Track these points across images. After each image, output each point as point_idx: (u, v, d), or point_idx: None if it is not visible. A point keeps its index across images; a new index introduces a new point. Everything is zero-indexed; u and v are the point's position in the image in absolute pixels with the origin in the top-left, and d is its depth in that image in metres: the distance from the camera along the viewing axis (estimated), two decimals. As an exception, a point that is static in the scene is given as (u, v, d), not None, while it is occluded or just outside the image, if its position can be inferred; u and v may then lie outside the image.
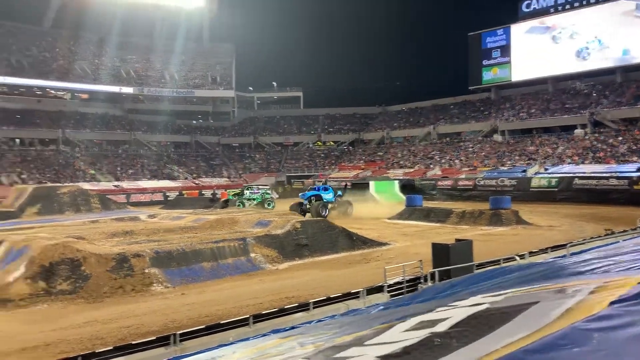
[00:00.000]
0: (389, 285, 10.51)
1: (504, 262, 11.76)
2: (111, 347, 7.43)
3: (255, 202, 33.66)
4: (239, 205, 32.51)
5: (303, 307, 9.35)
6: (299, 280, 13.70)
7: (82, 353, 7.14)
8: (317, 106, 78.60)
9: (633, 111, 45.76)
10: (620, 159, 39.83)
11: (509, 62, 59.11)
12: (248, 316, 8.63)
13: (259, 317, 8.71)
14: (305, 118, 76.14)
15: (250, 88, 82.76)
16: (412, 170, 53.18)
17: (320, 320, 7.79)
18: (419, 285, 10.68)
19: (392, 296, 10.13)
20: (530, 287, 5.52)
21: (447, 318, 4.56)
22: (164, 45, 72.51)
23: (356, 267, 15.31)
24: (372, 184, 43.66)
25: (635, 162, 38.14)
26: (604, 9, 51.39)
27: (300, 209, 28.03)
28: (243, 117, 77.89)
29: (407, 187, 42.60)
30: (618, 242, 10.85)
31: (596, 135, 45.89)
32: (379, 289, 10.47)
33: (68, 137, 58.83)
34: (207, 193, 46.19)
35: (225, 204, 33.63)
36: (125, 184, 51.91)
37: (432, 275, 10.69)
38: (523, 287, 5.72)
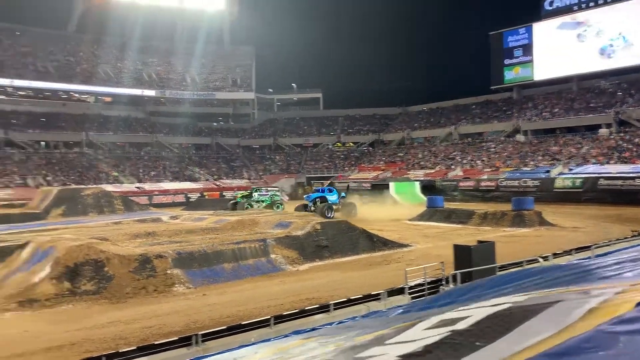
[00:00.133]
0: (410, 287, 10.45)
1: (527, 264, 11.61)
2: (134, 347, 7.52)
3: (264, 204, 32.99)
4: (246, 207, 31.77)
5: (324, 308, 9.35)
6: (319, 281, 13.70)
7: (105, 353, 7.24)
8: (336, 107, 78.57)
9: (660, 110, 44.81)
10: (646, 159, 39.01)
11: (531, 61, 58.33)
12: (269, 317, 8.65)
13: (280, 318, 8.73)
14: (324, 119, 76.17)
15: (270, 90, 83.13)
16: (433, 171, 52.80)
17: (341, 322, 7.79)
18: (441, 287, 10.59)
19: (413, 298, 10.06)
20: (554, 290, 5.43)
21: (468, 317, 4.52)
22: (184, 48, 73.28)
23: (377, 269, 15.26)
24: (392, 185, 43.51)
25: (663, 162, 37.32)
26: (628, 5, 50.37)
27: (305, 210, 28.12)
28: (263, 118, 78.25)
29: (428, 188, 42.36)
30: (645, 243, 10.63)
31: (621, 134, 45.02)
32: (400, 291, 10.41)
33: (92, 139, 59.81)
34: (228, 194, 46.41)
35: (234, 206, 32.87)
36: (147, 186, 52.51)
37: (454, 277, 10.60)
38: (547, 289, 5.64)
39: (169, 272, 13.54)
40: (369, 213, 29.27)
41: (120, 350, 7.34)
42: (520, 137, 53.33)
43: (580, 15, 54.10)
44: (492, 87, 62.80)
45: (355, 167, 62.38)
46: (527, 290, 6.03)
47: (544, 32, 57.30)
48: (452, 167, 52.22)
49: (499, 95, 63.86)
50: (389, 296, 10.11)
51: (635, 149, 41.38)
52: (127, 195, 40.83)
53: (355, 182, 53.21)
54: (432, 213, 27.69)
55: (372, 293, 10.16)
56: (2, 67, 60.84)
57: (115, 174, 54.28)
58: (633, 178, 33.61)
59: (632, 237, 15.68)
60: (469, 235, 20.56)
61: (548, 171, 41.76)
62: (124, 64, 70.41)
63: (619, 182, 33.98)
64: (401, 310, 7.58)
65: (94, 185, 39.91)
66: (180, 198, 48.96)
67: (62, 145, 58.45)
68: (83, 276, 12.72)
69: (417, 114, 72.28)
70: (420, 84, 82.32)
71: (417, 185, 43.34)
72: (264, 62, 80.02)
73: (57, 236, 16.20)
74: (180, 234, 18.69)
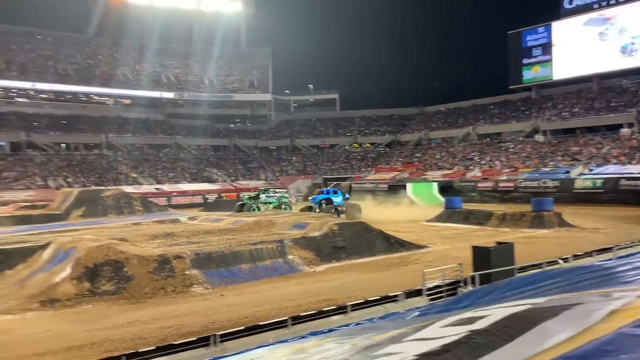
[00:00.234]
0: (428, 289, 10.39)
1: (546, 266, 11.49)
2: (153, 347, 7.59)
3: (271, 205, 32.35)
4: (253, 209, 31.21)
5: (341, 309, 9.34)
6: (336, 282, 13.69)
7: (125, 352, 7.32)
8: (353, 108, 78.50)
9: (683, 109, 43.93)
10: (669, 159, 38.28)
11: (550, 61, 57.60)
12: (286, 318, 8.68)
13: (297, 319, 8.75)
14: (341, 120, 76.13)
15: (287, 91, 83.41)
16: (450, 171, 52.44)
17: (358, 323, 7.78)
18: (459, 289, 10.52)
19: (431, 300, 10.01)
20: (575, 293, 5.36)
21: (487, 316, 4.48)
22: (202, 50, 73.86)
23: (394, 270, 15.20)
24: (409, 185, 43.35)
25: (686, 161, 36.60)
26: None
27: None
28: (280, 120, 78.50)
29: (446, 189, 42.10)
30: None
31: (644, 134, 44.27)
32: (417, 293, 10.36)
33: (111, 141, 60.57)
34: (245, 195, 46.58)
35: (241, 207, 32.26)
36: (166, 187, 53.01)
37: (473, 278, 10.52)
38: (567, 292, 5.57)
39: (187, 272, 13.65)
40: (385, 214, 29.16)
41: (139, 350, 7.42)
42: (539, 137, 52.72)
43: (608, 12, 53.14)
44: (510, 87, 62.17)
45: (372, 168, 62.23)
46: (547, 292, 5.97)
47: (563, 30, 56.54)
48: (470, 167, 51.82)
49: (518, 95, 63.20)
50: (406, 298, 10.07)
51: (657, 149, 40.65)
52: (146, 196, 41.26)
53: (372, 182, 53.08)
54: (450, 214, 27.50)
55: (390, 294, 10.12)
56: (24, 70, 61.95)
57: (135, 175, 54.88)
58: (656, 178, 33.02)
59: (655, 238, 15.41)
60: (487, 236, 20.38)
61: (568, 172, 41.21)
62: (142, 66, 71.18)
63: (641, 182, 33.40)
64: (419, 312, 7.56)
65: (114, 187, 40.41)
66: (198, 199, 49.34)
67: (82, 147, 59.32)
68: (103, 276, 12.88)
69: (435, 114, 71.87)
70: (438, 84, 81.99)
71: (435, 186, 43.10)
72: (280, 64, 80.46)
73: (77, 237, 16.42)
74: (198, 235, 18.83)
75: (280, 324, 8.53)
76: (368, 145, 70.55)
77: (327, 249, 16.92)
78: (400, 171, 57.31)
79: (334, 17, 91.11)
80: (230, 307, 11.45)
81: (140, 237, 17.91)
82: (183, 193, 50.96)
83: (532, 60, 58.99)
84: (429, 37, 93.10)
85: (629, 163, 39.77)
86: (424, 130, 67.48)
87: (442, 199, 35.21)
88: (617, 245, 13.43)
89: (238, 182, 59.19)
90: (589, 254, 13.29)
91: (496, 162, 51.09)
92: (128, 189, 42.60)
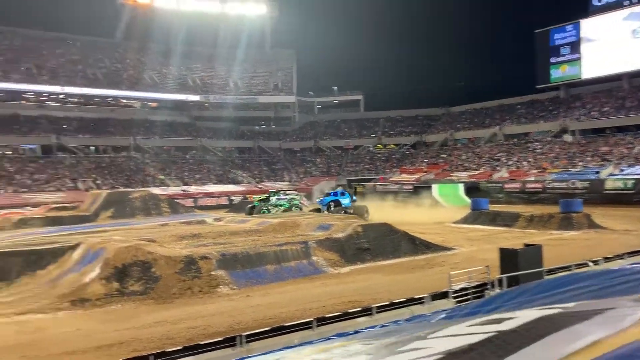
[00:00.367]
0: (455, 291, 10.28)
1: (576, 268, 11.27)
2: (181, 347, 7.68)
3: (281, 208, 32.01)
4: (263, 212, 30.96)
5: (366, 311, 9.31)
6: (361, 284, 13.65)
7: (153, 352, 7.42)
8: (377, 109, 78.27)
9: None
10: None
11: (579, 59, 56.52)
12: (312, 319, 8.68)
13: (322, 321, 8.74)
14: (365, 121, 75.96)
15: (311, 93, 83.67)
16: (477, 172, 51.84)
17: (384, 325, 7.74)
18: (486, 291, 10.39)
19: (457, 302, 9.90)
20: (607, 299, 5.24)
21: (515, 318, 4.43)
22: (227, 53, 74.58)
23: (420, 272, 15.09)
24: (435, 187, 43.06)
25: None
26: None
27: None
28: (304, 121, 78.73)
29: (473, 190, 41.65)
30: None
31: (677, 133, 43.10)
32: (443, 295, 10.26)
33: (139, 144, 61.59)
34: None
35: (252, 210, 32.03)
36: (192, 189, 53.65)
37: (500, 281, 10.38)
38: (598, 295, 5.45)
39: (213, 273, 13.77)
40: (410, 216, 28.97)
41: (167, 350, 7.51)
42: (567, 137, 51.76)
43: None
44: (537, 86, 61.23)
45: (396, 169, 61.91)
46: (577, 295, 5.86)
47: (593, 28, 55.40)
48: (497, 168, 51.15)
49: (545, 95, 62.18)
50: (432, 300, 9.98)
51: (692, 149, 39.52)
52: (173, 197, 41.77)
53: (396, 184, 52.81)
54: (477, 215, 27.19)
55: (416, 297, 10.04)
56: (54, 75, 63.44)
57: (162, 177, 55.67)
58: (690, 179, 32.11)
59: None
60: (514, 238, 20.10)
61: (598, 172, 40.35)
62: (168, 69, 72.23)
63: (675, 183, 32.52)
64: (445, 315, 7.49)
65: (142, 189, 40.97)
66: (224, 200, 49.84)
67: (110, 149, 60.46)
68: (131, 277, 13.09)
69: (460, 114, 71.17)
70: (464, 84, 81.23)
71: (461, 187, 42.70)
72: (304, 65, 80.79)
73: (106, 238, 16.70)
74: (224, 236, 18.99)
75: (306, 325, 8.54)
76: (393, 146, 70.23)
77: (352, 250, 16.88)
78: (425, 172, 56.89)
79: (358, 18, 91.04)
80: (255, 307, 11.51)
81: (168, 238, 18.13)
82: (209, 194, 51.51)
83: (560, 59, 57.97)
84: (454, 37, 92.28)
85: (662, 163, 38.79)
86: (450, 130, 66.87)
87: (468, 200, 34.86)
88: (650, 248, 13.10)
89: (263, 183, 59.55)
90: (620, 257, 12.97)
91: (523, 162, 50.33)
92: (155, 190, 43.19)
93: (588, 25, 55.88)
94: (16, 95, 61.05)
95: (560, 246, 17.76)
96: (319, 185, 56.94)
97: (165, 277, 13.22)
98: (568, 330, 3.69)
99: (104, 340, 9.41)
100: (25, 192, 45.58)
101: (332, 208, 30.03)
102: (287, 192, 35.94)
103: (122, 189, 42.76)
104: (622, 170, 39.45)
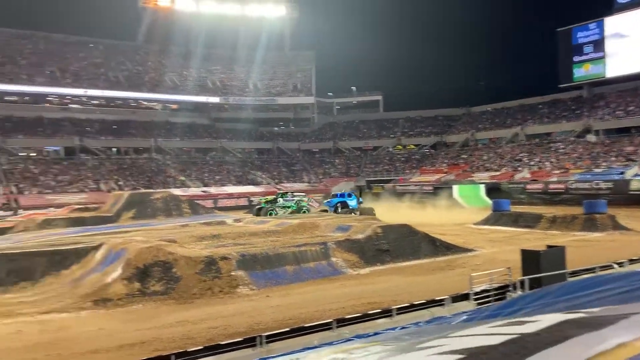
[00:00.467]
0: (476, 293, 10.17)
1: (600, 270, 11.08)
2: (201, 347, 7.72)
3: (289, 210, 31.98)
4: (270, 214, 30.86)
5: (386, 313, 9.26)
6: (380, 285, 13.59)
7: (174, 352, 7.47)
8: (397, 109, 77.90)
9: None
10: None
11: (603, 58, 55.57)
12: (331, 320, 8.67)
13: (342, 322, 8.72)
14: (384, 122, 75.67)
15: (330, 93, 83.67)
16: (498, 173, 51.29)
17: (404, 327, 7.69)
18: (508, 293, 10.26)
19: (478, 304, 9.79)
20: (633, 304, 5.13)
21: (538, 321, 4.36)
22: (246, 55, 75.04)
23: (440, 274, 14.97)
24: (455, 187, 42.69)
25: None
26: None
27: None
28: (323, 122, 78.78)
29: (494, 191, 41.22)
30: None
31: None
32: (464, 297, 10.16)
33: (160, 145, 62.26)
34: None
35: (259, 211, 32.02)
36: (212, 190, 54.06)
37: (522, 283, 10.24)
38: (624, 298, 5.34)
39: (233, 273, 13.84)
40: (430, 217, 28.78)
41: (188, 350, 7.57)
42: (591, 137, 50.90)
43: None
44: (560, 86, 60.37)
45: (416, 170, 61.54)
46: (602, 298, 5.74)
47: (617, 26, 54.41)
48: (519, 169, 50.54)
49: (568, 94, 61.25)
50: (453, 302, 9.89)
51: None
52: (193, 198, 42.07)
53: (416, 185, 52.50)
54: (498, 217, 26.89)
55: (436, 298, 9.96)
56: (77, 78, 64.52)
57: (182, 178, 56.18)
58: None
59: None
60: (536, 239, 19.83)
61: (622, 172, 39.60)
62: (189, 71, 72.91)
63: (703, 183, 31.76)
64: (466, 317, 7.41)
65: (163, 190, 41.34)
66: (243, 201, 50.11)
67: (132, 151, 61.25)
68: (152, 277, 13.22)
69: (481, 114, 70.50)
70: (484, 83, 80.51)
71: (482, 188, 42.28)
72: (323, 66, 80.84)
73: (128, 238, 16.91)
74: (244, 237, 19.08)
75: (325, 326, 8.53)
76: (412, 146, 69.85)
77: (371, 251, 16.82)
78: (445, 173, 56.46)
79: (377, 18, 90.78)
80: (275, 308, 11.54)
81: (188, 238, 18.28)
82: (229, 195, 51.84)
83: (583, 57, 57.08)
84: (474, 36, 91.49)
85: (689, 163, 37.91)
86: (471, 130, 66.27)
87: (489, 201, 34.51)
88: (677, 250, 12.81)
89: (282, 184, 59.71)
90: (646, 259, 12.72)
91: (546, 163, 49.65)
92: (176, 191, 43.55)
93: (612, 23, 54.90)
94: (40, 98, 62.21)
95: (583, 248, 17.47)
96: (338, 186, 56.88)
97: (185, 278, 13.33)
98: (592, 334, 3.63)
99: (125, 339, 9.52)
100: (49, 194, 46.38)
101: (339, 210, 30.09)
102: (295, 193, 35.73)
103: (143, 190, 43.21)
104: (647, 171, 38.69)
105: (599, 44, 55.89)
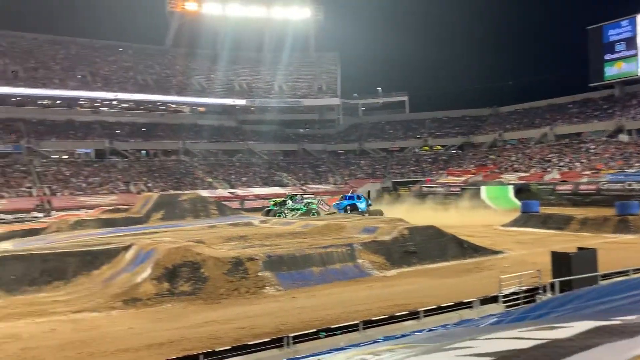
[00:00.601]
0: (504, 296, 10.05)
1: (633, 273, 10.81)
2: (229, 347, 7.80)
3: (298, 212, 31.60)
4: (279, 216, 30.64)
5: (413, 315, 9.21)
6: (407, 287, 13.52)
7: (202, 351, 7.57)
8: (423, 110, 77.17)
9: None
10: None
11: (635, 55, 54.17)
12: (358, 322, 8.66)
13: (368, 323, 8.70)
14: (411, 122, 75.14)
15: (355, 95, 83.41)
16: (527, 174, 50.42)
17: (431, 330, 7.64)
18: (537, 296, 10.10)
19: (507, 307, 9.67)
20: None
21: (570, 327, 4.28)
22: (272, 57, 75.57)
23: (468, 276, 14.82)
24: (483, 189, 42.21)
25: None
26: None
27: None
28: (348, 123, 78.68)
29: (523, 192, 40.57)
30: None
31: None
32: (493, 299, 10.04)
33: (188, 147, 63.07)
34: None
35: (268, 213, 31.82)
36: (239, 191, 54.51)
37: (552, 285, 10.07)
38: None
39: (259, 274, 13.94)
40: (458, 218, 28.49)
41: (216, 349, 7.65)
42: (623, 137, 49.66)
43: None
44: (590, 85, 59.09)
45: (443, 171, 60.94)
46: (635, 301, 5.61)
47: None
48: (548, 169, 49.63)
49: (599, 93, 59.89)
50: (481, 304, 9.78)
51: None
52: (221, 200, 42.46)
53: (443, 186, 52.03)
54: (527, 218, 26.48)
55: (464, 301, 9.87)
56: (107, 81, 65.82)
57: (210, 180, 56.78)
58: None
59: None
60: (567, 241, 19.46)
61: (657, 173, 38.59)
62: (216, 74, 73.65)
63: None
64: (495, 319, 7.32)
65: (191, 191, 41.82)
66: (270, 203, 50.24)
67: (161, 153, 62.21)
68: (181, 277, 13.40)
69: (509, 114, 69.42)
70: (512, 83, 79.25)
71: (511, 189, 41.66)
72: (348, 67, 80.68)
73: (157, 239, 17.17)
74: (270, 238, 19.18)
75: (352, 328, 8.53)
76: (439, 147, 69.18)
77: (398, 253, 16.74)
78: (473, 174, 55.77)
79: (402, 18, 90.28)
80: (301, 309, 11.58)
81: (216, 239, 18.44)
82: (255, 197, 52.19)
83: (615, 55, 55.73)
84: (501, 35, 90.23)
85: None
86: (498, 131, 65.33)
87: (518, 202, 33.99)
88: None
89: (307, 186, 59.82)
90: (682, 262, 12.37)
91: (576, 163, 48.64)
92: (204, 193, 43.94)
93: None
94: (72, 101, 63.70)
95: (616, 250, 17.08)
96: (364, 188, 56.59)
97: (213, 278, 13.47)
98: (624, 342, 3.55)
99: (154, 338, 9.68)
100: (81, 195, 47.39)
101: (349, 212, 30.06)
102: (304, 196, 35.24)
103: (172, 192, 43.73)
104: (683, 171, 37.58)
105: (631, 42, 54.52)
